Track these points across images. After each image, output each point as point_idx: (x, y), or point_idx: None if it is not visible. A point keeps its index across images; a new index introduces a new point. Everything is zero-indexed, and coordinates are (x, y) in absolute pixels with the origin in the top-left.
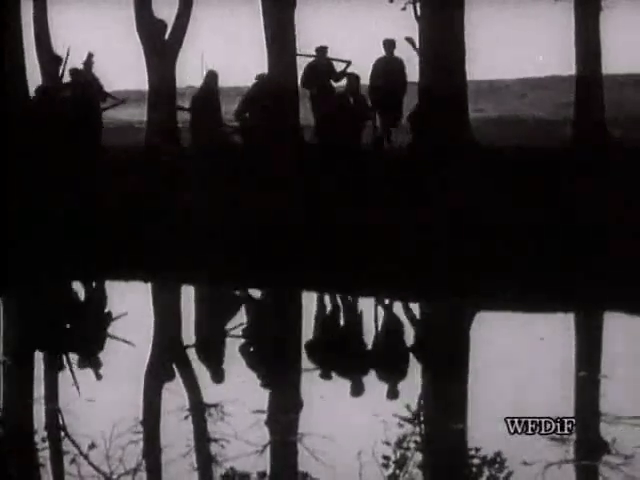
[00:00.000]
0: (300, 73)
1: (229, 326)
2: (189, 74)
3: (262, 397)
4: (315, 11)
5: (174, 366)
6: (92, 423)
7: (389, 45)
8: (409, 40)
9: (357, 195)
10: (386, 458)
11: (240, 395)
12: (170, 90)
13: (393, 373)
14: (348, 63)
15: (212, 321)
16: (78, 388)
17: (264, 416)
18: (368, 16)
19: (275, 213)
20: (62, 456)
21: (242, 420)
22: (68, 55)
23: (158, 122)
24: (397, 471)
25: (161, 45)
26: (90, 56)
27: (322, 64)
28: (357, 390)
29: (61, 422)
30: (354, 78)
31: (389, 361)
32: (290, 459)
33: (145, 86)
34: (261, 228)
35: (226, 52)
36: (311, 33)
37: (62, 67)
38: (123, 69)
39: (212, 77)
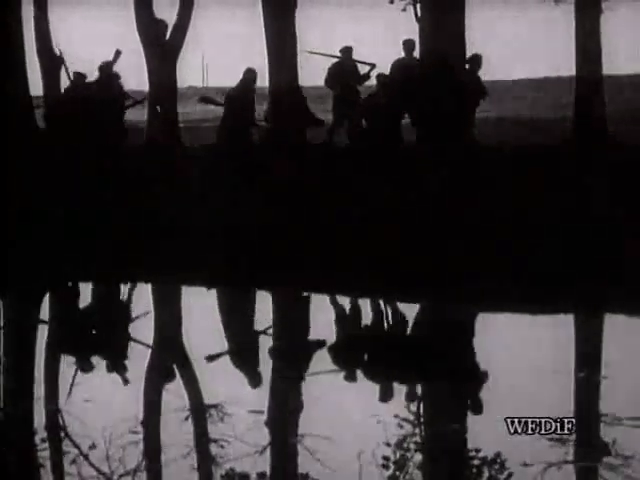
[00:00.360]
0: (299, 74)
1: (251, 329)
2: (190, 74)
3: (262, 398)
4: (316, 13)
5: (174, 367)
6: (92, 423)
7: (409, 45)
8: None
9: (357, 195)
10: (386, 459)
11: (240, 396)
12: (171, 90)
13: (406, 375)
14: (372, 66)
15: (240, 325)
16: (71, 389)
17: (264, 417)
18: (368, 17)
19: (275, 213)
20: (62, 456)
21: (242, 421)
22: (61, 54)
23: (159, 122)
24: (397, 472)
25: (162, 45)
26: (117, 54)
27: (347, 65)
28: (385, 395)
29: (61, 422)
30: (384, 79)
31: (398, 363)
32: (290, 460)
33: (145, 86)
34: (261, 228)
35: (227, 53)
36: (311, 34)
37: (63, 67)
38: (123, 69)
39: (250, 74)
